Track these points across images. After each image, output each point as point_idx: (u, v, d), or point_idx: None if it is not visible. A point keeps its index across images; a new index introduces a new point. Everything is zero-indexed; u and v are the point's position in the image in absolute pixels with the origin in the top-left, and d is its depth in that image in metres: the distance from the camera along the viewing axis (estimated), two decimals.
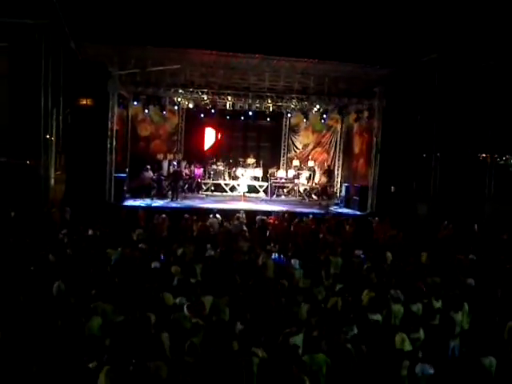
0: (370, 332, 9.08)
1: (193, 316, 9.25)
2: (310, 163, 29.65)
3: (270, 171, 28.63)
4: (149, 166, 26.35)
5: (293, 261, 13.80)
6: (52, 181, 23.04)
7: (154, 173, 26.39)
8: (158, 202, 24.07)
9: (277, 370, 7.84)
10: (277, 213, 21.17)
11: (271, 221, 20.31)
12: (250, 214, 21.46)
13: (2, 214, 18.13)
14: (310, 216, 20.97)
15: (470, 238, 18.53)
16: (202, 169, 28.30)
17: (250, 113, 27.32)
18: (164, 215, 19.43)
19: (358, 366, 8.01)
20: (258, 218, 20.87)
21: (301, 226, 19.87)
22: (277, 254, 15.73)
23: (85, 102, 22.75)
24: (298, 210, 23.65)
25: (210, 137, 29.86)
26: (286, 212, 21.25)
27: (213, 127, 29.48)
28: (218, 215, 20.16)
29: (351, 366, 8.02)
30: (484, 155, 24.16)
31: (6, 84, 21.85)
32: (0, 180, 21.06)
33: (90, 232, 16.70)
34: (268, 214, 21.31)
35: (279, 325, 9.17)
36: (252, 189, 27.62)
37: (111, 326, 8.78)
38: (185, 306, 9.57)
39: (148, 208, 21.56)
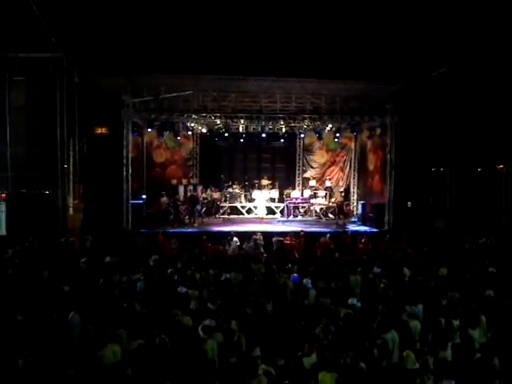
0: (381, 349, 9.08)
1: (207, 337, 9.31)
2: (327, 183, 29.70)
3: (286, 192, 28.70)
4: (164, 192, 26.58)
5: (305, 280, 13.78)
6: (70, 210, 23.29)
7: (169, 198, 26.57)
8: (175, 228, 24.14)
9: None
10: (293, 233, 21.16)
11: (288, 241, 20.33)
12: (267, 235, 21.52)
13: (22, 245, 18.32)
14: (328, 235, 20.89)
15: (487, 251, 18.40)
16: (218, 192, 28.44)
17: (264, 135, 27.41)
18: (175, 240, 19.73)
19: None
20: (274, 239, 20.91)
21: (318, 245, 19.91)
22: (296, 275, 15.64)
23: (100, 131, 23.02)
24: (315, 229, 23.64)
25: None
26: (302, 231, 21.21)
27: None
28: (235, 238, 20.21)
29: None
30: (500, 166, 23.96)
31: (24, 115, 22.21)
32: (20, 210, 21.36)
33: (108, 259, 16.85)
34: (285, 234, 21.31)
35: (296, 344, 9.20)
36: (269, 210, 27.71)
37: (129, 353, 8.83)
38: (200, 328, 9.63)
39: (166, 233, 21.61)
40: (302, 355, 8.70)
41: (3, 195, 22.26)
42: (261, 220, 24.61)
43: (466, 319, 10.44)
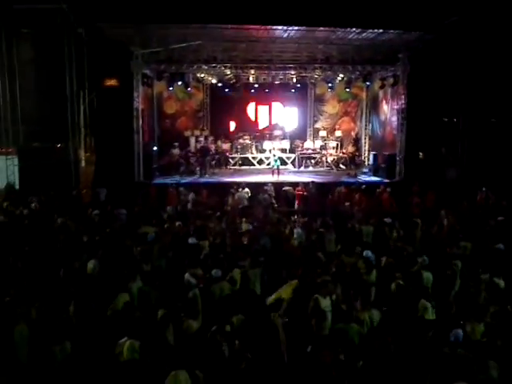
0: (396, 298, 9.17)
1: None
2: (337, 133, 29.55)
3: (296, 143, 28.60)
4: (176, 143, 26.62)
5: (295, 230, 13.88)
6: (82, 163, 23.43)
7: (181, 150, 26.59)
8: (186, 179, 24.21)
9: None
10: (305, 184, 21.16)
11: (299, 192, 20.35)
12: (279, 186, 21.58)
13: (35, 199, 18.48)
14: (342, 186, 20.87)
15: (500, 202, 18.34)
16: (228, 143, 28.41)
17: (274, 85, 27.14)
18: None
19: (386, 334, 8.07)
20: (283, 189, 20.94)
21: (331, 196, 19.97)
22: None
23: (110, 83, 22.91)
24: (326, 180, 23.64)
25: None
26: (312, 182, 21.22)
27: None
28: (246, 189, 20.28)
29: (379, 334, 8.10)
30: None
31: (32, 68, 22.15)
32: (32, 164, 21.48)
33: (123, 211, 17.00)
34: (296, 185, 21.32)
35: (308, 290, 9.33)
36: (280, 161, 27.73)
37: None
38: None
39: (177, 185, 21.68)
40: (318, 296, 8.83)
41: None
42: (276, 172, 24.44)
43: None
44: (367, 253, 11.43)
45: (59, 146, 23.30)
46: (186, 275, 9.94)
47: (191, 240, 12.66)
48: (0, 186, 21.90)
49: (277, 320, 8.57)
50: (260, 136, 29.16)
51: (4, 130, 22.61)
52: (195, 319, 8.54)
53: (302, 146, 28.52)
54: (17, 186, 21.88)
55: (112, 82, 22.85)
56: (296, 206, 19.82)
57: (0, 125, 22.82)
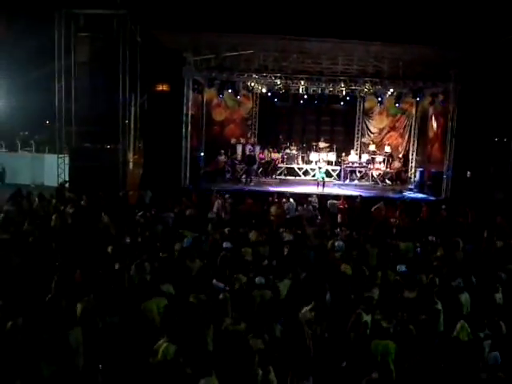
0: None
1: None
2: (385, 148, 29.33)
3: (342, 155, 28.53)
4: (223, 151, 26.86)
5: (336, 243, 13.83)
6: (130, 165, 23.84)
7: (227, 157, 26.84)
8: (231, 186, 24.38)
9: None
10: (349, 197, 21.10)
11: (342, 205, 20.29)
12: (323, 198, 21.58)
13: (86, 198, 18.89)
14: (381, 202, 20.74)
15: None
16: (276, 153, 28.52)
17: (324, 97, 27.16)
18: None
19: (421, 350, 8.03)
20: (329, 202, 20.92)
21: (373, 210, 19.85)
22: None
23: (161, 88, 23.34)
24: (372, 194, 23.52)
25: None
26: (359, 196, 21.13)
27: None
28: (291, 199, 20.28)
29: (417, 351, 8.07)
30: None
31: (87, 71, 22.69)
32: (82, 164, 21.98)
33: (170, 215, 17.27)
34: (340, 198, 21.26)
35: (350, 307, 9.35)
36: (326, 173, 27.70)
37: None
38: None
39: (222, 191, 21.86)
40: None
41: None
42: (321, 183, 24.44)
43: None
44: (400, 267, 11.41)
45: (109, 147, 23.76)
46: (214, 281, 10.10)
47: (226, 244, 12.79)
48: (51, 184, 22.51)
49: (301, 317, 8.80)
50: (307, 147, 29.19)
51: (58, 130, 23.22)
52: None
53: (348, 159, 28.43)
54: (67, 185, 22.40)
55: (163, 87, 23.26)
56: (339, 219, 19.75)
57: (54, 125, 23.47)
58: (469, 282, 10.99)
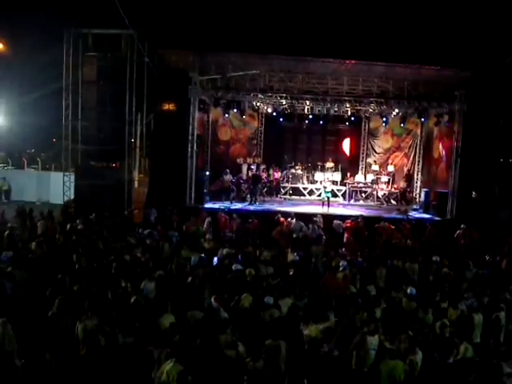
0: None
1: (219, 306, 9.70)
2: (390, 168, 29.35)
3: (347, 176, 28.55)
4: (228, 170, 26.90)
5: (341, 263, 13.81)
6: (135, 183, 23.93)
7: (233, 176, 26.91)
8: (236, 205, 24.43)
9: None
10: (353, 217, 21.09)
11: (347, 225, 20.28)
12: (328, 218, 21.56)
13: (92, 216, 18.94)
14: (382, 222, 20.71)
15: None
16: (280, 172, 28.57)
17: (329, 117, 27.24)
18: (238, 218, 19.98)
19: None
20: (335, 222, 20.91)
21: (378, 230, 19.83)
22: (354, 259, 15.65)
23: (167, 107, 23.46)
24: (376, 214, 23.47)
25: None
26: (361, 216, 21.12)
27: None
28: (298, 221, 20.24)
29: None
30: None
31: (94, 90, 22.87)
32: (87, 182, 22.05)
33: (175, 234, 17.31)
34: (345, 218, 21.27)
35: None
36: (331, 193, 27.69)
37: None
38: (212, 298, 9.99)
39: (227, 211, 21.90)
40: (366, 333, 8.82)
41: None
42: (326, 203, 24.44)
43: None
44: (412, 290, 11.36)
45: (115, 165, 23.87)
46: (212, 299, 10.13)
47: (235, 266, 12.82)
48: (56, 202, 22.60)
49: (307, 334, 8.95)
50: (312, 167, 29.24)
51: (64, 148, 23.35)
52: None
53: (353, 180, 28.44)
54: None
55: (169, 106, 23.38)
56: (345, 239, 19.71)
57: (61, 142, 23.61)
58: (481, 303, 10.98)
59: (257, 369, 7.67)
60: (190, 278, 11.58)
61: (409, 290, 11.40)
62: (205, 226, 19.29)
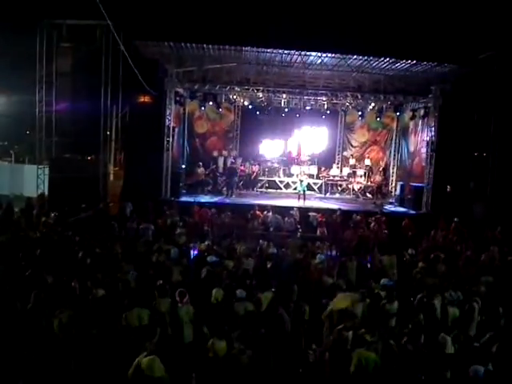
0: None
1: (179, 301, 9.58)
2: (366, 161, 29.47)
3: (322, 169, 28.63)
4: (201, 163, 26.83)
5: (318, 256, 13.88)
6: (110, 176, 23.71)
7: (205, 169, 26.83)
8: (213, 198, 24.35)
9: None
10: (329, 211, 21.16)
11: (320, 219, 20.35)
12: (304, 211, 21.60)
13: (67, 210, 18.74)
14: (358, 216, 20.81)
15: None
16: (257, 166, 28.54)
17: (305, 110, 27.26)
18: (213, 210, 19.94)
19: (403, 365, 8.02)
20: (311, 215, 20.96)
21: (351, 224, 19.90)
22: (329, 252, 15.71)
23: (143, 100, 23.23)
24: (352, 208, 23.55)
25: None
26: (339, 210, 21.18)
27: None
28: (274, 214, 20.27)
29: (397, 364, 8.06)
30: None
31: (69, 82, 22.58)
32: (62, 174, 21.79)
33: (142, 226, 17.15)
34: (321, 211, 21.34)
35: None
36: (307, 186, 27.73)
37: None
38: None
39: (202, 204, 21.81)
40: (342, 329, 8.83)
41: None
42: (303, 196, 24.47)
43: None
44: (384, 281, 11.41)
45: (90, 158, 23.62)
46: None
47: (210, 258, 12.77)
48: (30, 195, 22.29)
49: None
50: (288, 160, 29.24)
51: (38, 140, 23.03)
52: None
53: (329, 173, 28.52)
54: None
55: (145, 99, 23.17)
56: (319, 232, 19.76)
57: (35, 135, 23.28)
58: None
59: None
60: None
61: (382, 281, 11.46)
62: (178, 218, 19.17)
